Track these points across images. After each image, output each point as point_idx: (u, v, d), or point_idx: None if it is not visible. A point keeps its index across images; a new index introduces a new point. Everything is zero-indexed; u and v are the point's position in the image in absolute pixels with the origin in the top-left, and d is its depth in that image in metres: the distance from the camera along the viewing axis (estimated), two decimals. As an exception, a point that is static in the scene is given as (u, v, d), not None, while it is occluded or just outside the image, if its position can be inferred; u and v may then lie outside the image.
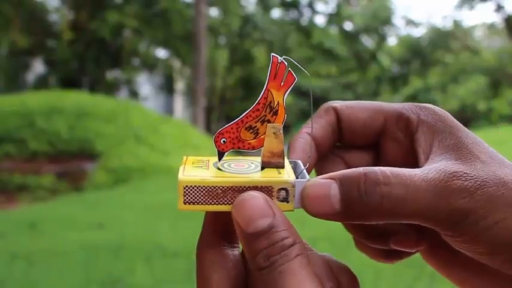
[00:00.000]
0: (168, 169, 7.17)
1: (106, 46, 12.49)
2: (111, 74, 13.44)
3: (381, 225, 0.37)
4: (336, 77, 18.27)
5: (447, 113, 0.36)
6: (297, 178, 0.33)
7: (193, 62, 11.94)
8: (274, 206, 0.30)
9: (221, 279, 0.31)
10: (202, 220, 0.33)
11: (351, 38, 17.90)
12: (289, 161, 0.36)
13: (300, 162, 0.36)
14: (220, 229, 0.33)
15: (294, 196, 0.31)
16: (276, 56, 0.33)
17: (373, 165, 0.35)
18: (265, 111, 0.33)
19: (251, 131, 0.33)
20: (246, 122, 0.33)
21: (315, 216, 0.31)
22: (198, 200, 0.31)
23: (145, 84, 14.75)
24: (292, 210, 0.32)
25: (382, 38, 19.18)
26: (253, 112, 0.33)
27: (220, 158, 0.34)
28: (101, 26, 11.78)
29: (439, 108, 0.36)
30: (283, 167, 0.33)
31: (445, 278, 0.39)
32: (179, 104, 16.57)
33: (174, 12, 12.92)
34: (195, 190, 0.31)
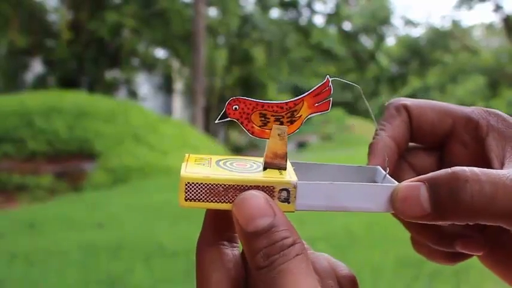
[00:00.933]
0: (167, 169, 7.17)
1: (105, 46, 12.48)
2: (110, 74, 13.42)
3: (448, 228, 0.37)
4: (335, 77, 18.28)
5: None
6: (381, 183, 0.33)
7: (192, 62, 11.93)
8: (275, 205, 0.30)
9: (221, 278, 0.31)
10: (202, 219, 0.33)
11: (349, 38, 17.92)
12: (367, 167, 0.36)
13: (379, 168, 0.36)
14: (220, 228, 0.33)
15: (295, 197, 0.31)
16: (330, 79, 0.33)
17: (438, 168, 0.35)
18: (286, 114, 0.33)
19: (262, 119, 0.33)
20: (264, 109, 0.33)
21: (406, 219, 0.31)
22: (199, 197, 0.31)
23: (144, 84, 14.74)
24: (293, 211, 0.32)
25: (381, 38, 19.20)
26: (277, 106, 0.33)
27: (221, 119, 0.34)
28: (100, 26, 11.78)
29: (507, 115, 0.36)
30: (285, 168, 0.33)
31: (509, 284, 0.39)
32: (178, 104, 16.57)
33: (173, 12, 12.91)
34: (197, 187, 0.31)
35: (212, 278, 0.31)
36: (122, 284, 2.77)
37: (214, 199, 0.31)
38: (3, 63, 12.53)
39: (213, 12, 14.98)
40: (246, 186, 0.31)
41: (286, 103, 0.33)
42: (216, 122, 0.34)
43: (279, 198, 0.31)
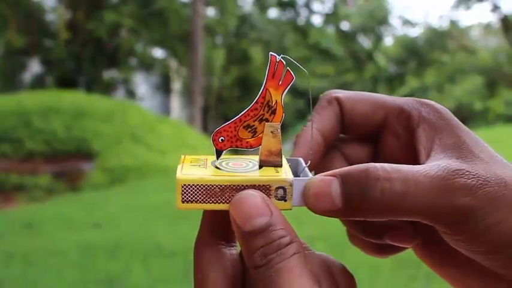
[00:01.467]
0: (165, 169, 7.16)
1: (103, 46, 12.47)
2: (108, 74, 13.41)
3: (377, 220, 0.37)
4: (333, 77, 18.28)
5: (448, 110, 0.36)
6: (299, 176, 0.33)
7: (190, 62, 11.93)
8: (272, 204, 0.30)
9: (218, 278, 0.31)
10: (200, 219, 0.33)
11: (347, 37, 17.92)
12: (292, 159, 0.36)
13: (301, 159, 0.36)
14: (218, 228, 0.33)
15: (291, 195, 0.31)
16: (275, 54, 0.33)
17: (372, 159, 0.36)
18: (264, 110, 0.33)
19: (249, 129, 0.34)
20: (244, 121, 0.33)
21: (317, 214, 0.31)
22: (196, 198, 0.31)
23: (142, 84, 14.73)
24: (290, 209, 0.32)
25: (379, 38, 19.21)
26: (252, 111, 0.33)
27: (218, 157, 0.34)
28: (98, 25, 11.77)
29: (441, 106, 0.36)
30: (281, 165, 0.33)
31: (440, 276, 0.39)
32: (176, 103, 16.55)
33: (171, 12, 12.90)
34: (193, 189, 0.31)
35: (210, 277, 0.31)
36: (119, 284, 2.77)
37: (211, 200, 0.31)
38: (1, 63, 12.51)
39: (211, 12, 14.98)
40: (242, 186, 0.31)
41: (256, 102, 0.33)
42: (218, 161, 0.34)
43: (275, 196, 0.31)
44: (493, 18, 21.01)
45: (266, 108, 0.33)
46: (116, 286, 2.75)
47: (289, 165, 0.34)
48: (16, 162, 6.81)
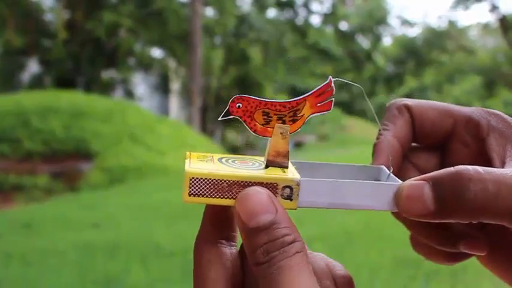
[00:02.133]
0: (164, 169, 7.17)
1: (101, 46, 12.46)
2: (107, 74, 13.40)
3: (451, 228, 0.37)
4: (331, 77, 18.30)
5: None
6: (385, 182, 0.33)
7: (189, 62, 11.93)
8: (277, 202, 0.30)
9: (218, 277, 0.31)
10: (199, 218, 0.34)
11: (346, 38, 17.94)
12: (372, 167, 0.36)
13: (383, 167, 0.36)
14: (218, 227, 0.33)
15: (297, 194, 0.32)
16: (332, 80, 0.34)
17: (441, 168, 0.35)
18: (288, 113, 0.33)
19: (265, 117, 0.34)
20: (267, 108, 0.33)
21: (410, 217, 0.32)
22: (203, 192, 0.31)
23: (140, 84, 14.72)
24: (295, 209, 0.32)
25: (378, 38, 19.23)
26: (280, 105, 0.33)
27: (224, 116, 0.34)
28: (97, 25, 11.76)
29: (507, 116, 0.37)
30: (287, 167, 0.34)
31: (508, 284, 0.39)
32: (174, 104, 16.55)
33: (170, 12, 12.90)
34: (201, 182, 0.31)
35: (209, 276, 0.31)
36: (118, 284, 2.77)
37: (217, 195, 0.31)
38: (0, 63, 12.50)
39: (209, 12, 14.98)
40: (250, 182, 0.31)
41: (289, 102, 0.33)
42: (220, 119, 0.34)
43: (281, 195, 0.32)
44: (491, 18, 21.03)
45: (292, 113, 0.33)
46: (115, 286, 2.75)
47: (295, 168, 0.35)
48: (14, 162, 6.81)
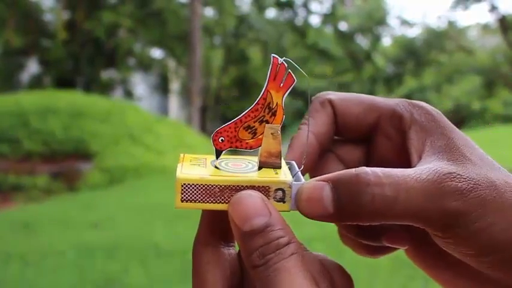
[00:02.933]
0: (163, 169, 7.16)
1: (101, 46, 12.46)
2: (106, 74, 13.40)
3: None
4: (331, 77, 18.28)
5: (440, 112, 0.36)
6: (293, 180, 0.33)
7: (189, 62, 11.94)
8: (271, 205, 0.30)
9: (217, 278, 0.31)
10: (198, 219, 0.33)
11: (345, 38, 17.93)
12: (286, 162, 0.36)
13: (294, 163, 0.36)
14: (216, 228, 0.33)
15: (290, 197, 0.32)
16: (277, 57, 0.33)
17: (366, 160, 0.36)
18: (264, 112, 0.33)
19: (249, 130, 0.34)
20: (245, 122, 0.34)
21: (309, 218, 0.32)
22: (195, 198, 0.31)
23: (140, 84, 14.73)
24: (288, 211, 0.32)
25: (377, 38, 19.23)
26: (252, 112, 0.33)
27: (217, 157, 0.34)
28: (96, 25, 11.76)
29: (432, 108, 0.36)
30: (280, 167, 0.34)
31: (431, 278, 0.39)
32: (174, 104, 16.56)
33: (169, 12, 12.91)
34: (193, 188, 0.31)
35: (208, 277, 0.31)
36: (117, 284, 2.77)
37: (210, 200, 0.31)
38: (-1, 63, 12.51)
39: (209, 12, 14.98)
40: (242, 186, 0.31)
41: (257, 103, 0.33)
42: (216, 162, 0.34)
43: (274, 197, 0.32)
44: (490, 19, 21.06)
45: (267, 109, 0.33)
46: (114, 286, 2.75)
47: (288, 167, 0.35)
48: (14, 162, 6.81)
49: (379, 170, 0.30)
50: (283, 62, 0.33)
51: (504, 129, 9.79)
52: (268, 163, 0.34)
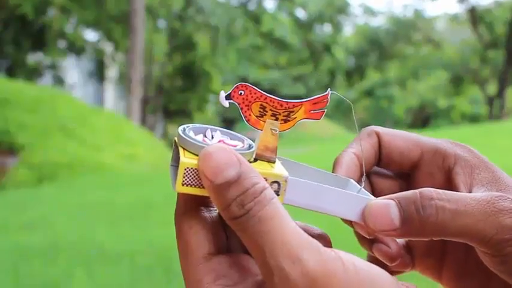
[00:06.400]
0: (100, 165, 7.15)
1: (28, 25, 12.22)
2: (33, 57, 13.17)
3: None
4: (286, 69, 18.41)
5: (477, 150, 0.45)
6: (360, 195, 0.39)
7: (128, 47, 11.84)
8: (239, 155, 0.33)
9: (200, 240, 0.35)
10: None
11: (303, 26, 18.09)
12: (340, 177, 0.43)
13: (352, 180, 0.42)
14: (193, 195, 0.36)
15: (284, 190, 0.36)
16: (330, 92, 0.40)
17: None
18: (283, 112, 0.39)
19: (261, 110, 0.39)
20: (265, 101, 0.39)
21: (376, 233, 0.38)
22: (195, 183, 0.35)
23: (72, 70, 14.52)
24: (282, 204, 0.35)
25: (338, 28, 19.44)
26: (278, 103, 0.39)
27: (225, 99, 0.39)
28: (23, 1, 11.54)
29: (471, 147, 0.45)
30: (274, 162, 0.39)
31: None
32: (111, 93, 16.38)
33: (108, -11, 12.79)
34: (195, 173, 0.35)
35: (192, 241, 0.35)
36: (59, 290, 2.81)
37: None
38: None
39: (152, -9, 14.88)
40: None
41: (287, 102, 0.39)
42: (221, 100, 0.39)
43: None
44: (459, 9, 21.52)
45: (286, 113, 0.39)
46: (55, 292, 2.79)
47: (281, 164, 0.40)
48: None
49: (439, 190, 0.37)
50: (329, 99, 0.39)
51: (471, 130, 10.04)
52: (264, 156, 0.38)
